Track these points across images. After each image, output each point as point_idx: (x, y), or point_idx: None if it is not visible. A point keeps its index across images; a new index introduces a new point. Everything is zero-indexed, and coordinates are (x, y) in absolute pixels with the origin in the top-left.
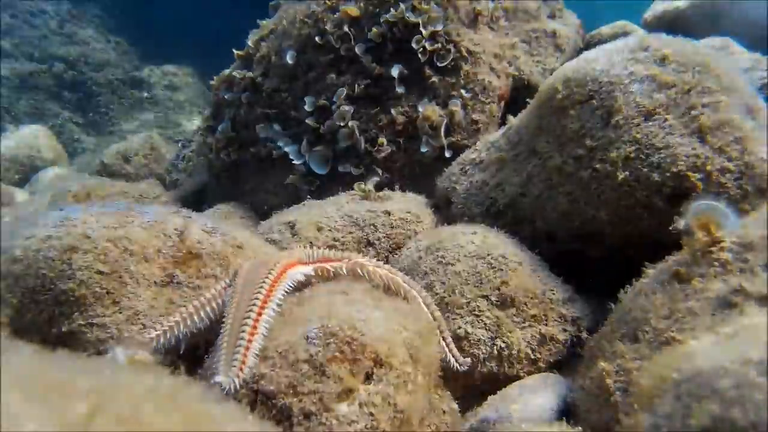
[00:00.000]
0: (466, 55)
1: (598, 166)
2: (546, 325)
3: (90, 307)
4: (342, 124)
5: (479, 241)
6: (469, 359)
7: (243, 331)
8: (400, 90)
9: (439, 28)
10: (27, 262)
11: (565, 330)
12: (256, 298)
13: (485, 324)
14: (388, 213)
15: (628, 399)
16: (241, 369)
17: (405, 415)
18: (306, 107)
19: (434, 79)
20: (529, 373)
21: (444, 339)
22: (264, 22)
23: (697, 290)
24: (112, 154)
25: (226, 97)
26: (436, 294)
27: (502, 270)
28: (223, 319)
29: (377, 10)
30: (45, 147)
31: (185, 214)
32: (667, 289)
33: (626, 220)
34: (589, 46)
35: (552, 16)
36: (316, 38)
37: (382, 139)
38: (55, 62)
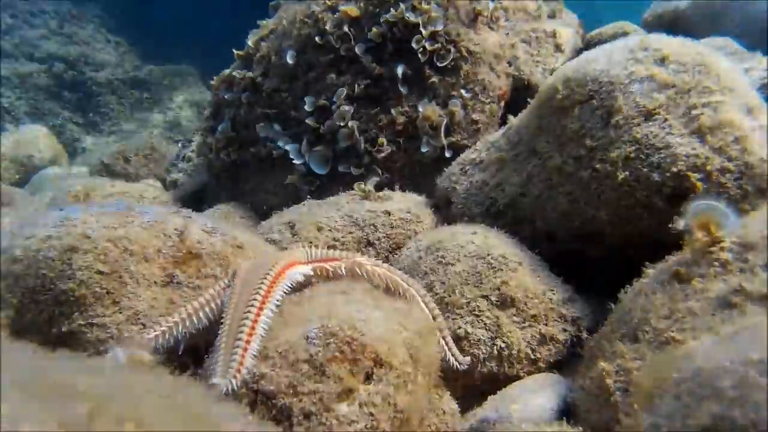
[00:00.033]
0: (466, 55)
1: (598, 166)
2: (546, 325)
3: (90, 307)
4: (342, 124)
5: (479, 241)
6: (468, 358)
7: (241, 332)
8: (403, 90)
9: (439, 28)
10: (27, 262)
11: (565, 330)
12: (255, 299)
13: (485, 324)
14: (388, 213)
15: (628, 399)
16: (238, 370)
17: (405, 415)
18: (306, 107)
19: (434, 79)
20: (529, 373)
21: (443, 338)
22: (264, 22)
23: (697, 290)
24: (112, 154)
25: (226, 97)
26: (436, 294)
27: (502, 270)
28: (222, 320)
29: (377, 10)
30: (45, 147)
31: (185, 214)
32: (667, 289)
33: (626, 220)
34: (589, 46)
35: (552, 16)
36: (316, 38)
37: (382, 139)
38: (55, 62)
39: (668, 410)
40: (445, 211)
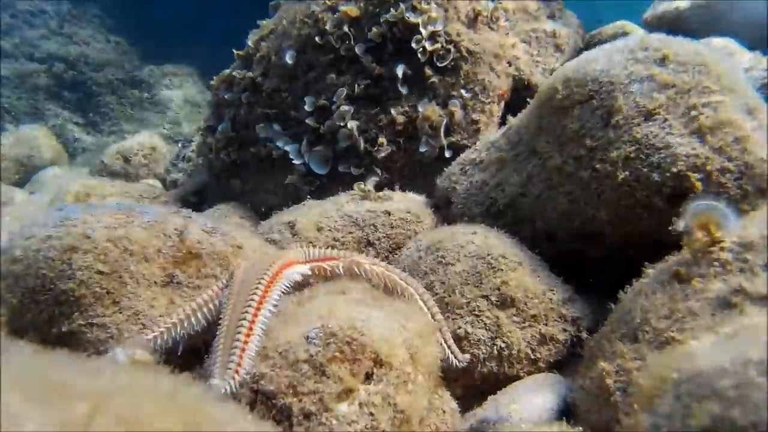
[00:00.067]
0: (466, 55)
1: (598, 166)
2: (546, 325)
3: (90, 307)
4: (342, 124)
5: (479, 241)
6: (468, 356)
7: (239, 333)
8: (403, 90)
9: (439, 28)
10: (27, 262)
11: (565, 330)
12: (252, 299)
13: (485, 324)
14: (388, 213)
15: (628, 399)
16: (236, 371)
17: (405, 415)
18: (306, 107)
19: (434, 79)
20: (529, 373)
21: (443, 336)
22: (264, 22)
23: (697, 290)
24: (112, 154)
25: (226, 97)
26: (436, 294)
27: (502, 270)
28: (220, 321)
29: (377, 10)
30: (45, 147)
31: (185, 214)
32: (667, 289)
33: (626, 220)
34: (589, 46)
35: (552, 16)
36: (316, 38)
37: (382, 139)
38: (55, 62)
39: (668, 410)
40: (445, 211)
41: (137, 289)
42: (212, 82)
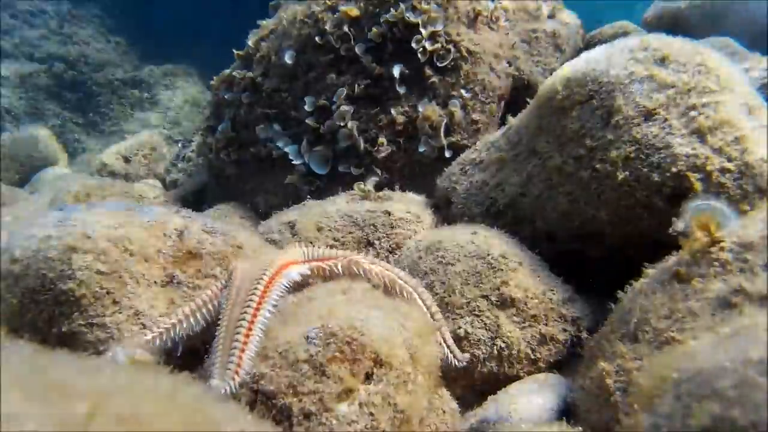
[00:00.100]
0: (466, 55)
1: (598, 166)
2: (546, 325)
3: (90, 307)
4: (342, 124)
5: (479, 241)
6: (467, 355)
7: (238, 334)
8: (401, 90)
9: (439, 28)
10: (27, 262)
11: (565, 330)
12: (251, 300)
13: (485, 324)
14: (388, 213)
15: (628, 399)
16: (236, 372)
17: (405, 415)
18: (306, 107)
19: (434, 79)
20: (529, 373)
21: (442, 335)
22: (264, 22)
23: (697, 290)
24: (112, 154)
25: (226, 97)
26: (436, 294)
27: (502, 270)
28: (219, 322)
29: (377, 10)
30: (45, 147)
31: (185, 214)
32: (667, 289)
33: (626, 220)
34: (589, 46)
35: (552, 16)
36: (316, 38)
37: (382, 139)
38: (55, 62)
39: (668, 410)
40: (445, 211)
41: (137, 289)
42: (212, 82)
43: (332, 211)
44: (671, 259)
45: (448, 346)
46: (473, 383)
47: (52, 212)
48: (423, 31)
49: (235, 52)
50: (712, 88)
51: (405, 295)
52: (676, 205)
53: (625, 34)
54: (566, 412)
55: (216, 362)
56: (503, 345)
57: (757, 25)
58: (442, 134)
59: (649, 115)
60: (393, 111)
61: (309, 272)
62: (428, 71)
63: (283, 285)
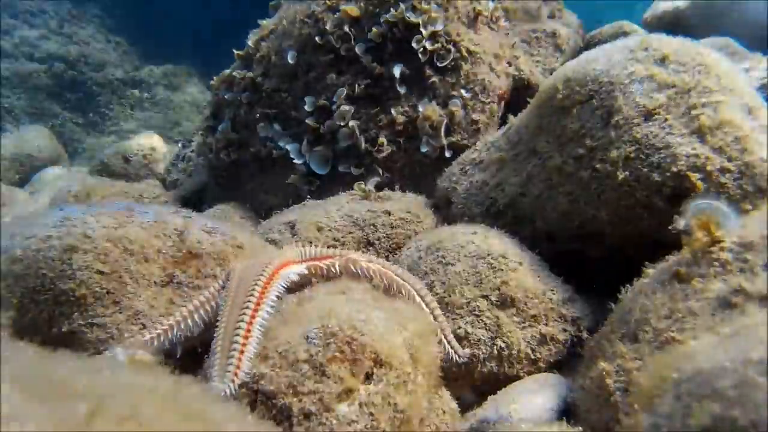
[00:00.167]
0: (466, 55)
1: (598, 166)
2: (546, 325)
3: (90, 307)
4: (342, 124)
5: (479, 241)
6: (468, 350)
7: (237, 335)
8: (401, 90)
9: (439, 28)
10: (27, 262)
11: (565, 330)
12: (249, 300)
13: (485, 324)
14: (388, 213)
15: (628, 399)
16: (236, 374)
17: (405, 415)
18: (306, 107)
19: (434, 79)
20: (529, 373)
21: (442, 331)
22: (264, 22)
23: (697, 290)
24: (112, 154)
25: (226, 97)
26: (436, 294)
27: (502, 270)
28: (218, 322)
29: (377, 10)
30: (45, 147)
31: (185, 214)
32: (667, 289)
33: (626, 220)
34: (589, 46)
35: (552, 16)
36: (316, 38)
37: (383, 139)
38: (55, 62)
39: (668, 410)
40: (445, 211)
41: (137, 289)
42: (212, 82)
43: (332, 211)
44: (671, 259)
45: (448, 342)
46: (473, 383)
47: (52, 212)
48: (423, 31)
49: (235, 52)
50: (713, 88)
51: (404, 293)
52: (676, 205)
53: (625, 34)
54: (566, 412)
55: (215, 364)
56: (503, 345)
57: (757, 25)
58: (442, 134)
59: (649, 115)
60: (393, 111)
61: (307, 272)
62: (428, 71)
63: (281, 285)
